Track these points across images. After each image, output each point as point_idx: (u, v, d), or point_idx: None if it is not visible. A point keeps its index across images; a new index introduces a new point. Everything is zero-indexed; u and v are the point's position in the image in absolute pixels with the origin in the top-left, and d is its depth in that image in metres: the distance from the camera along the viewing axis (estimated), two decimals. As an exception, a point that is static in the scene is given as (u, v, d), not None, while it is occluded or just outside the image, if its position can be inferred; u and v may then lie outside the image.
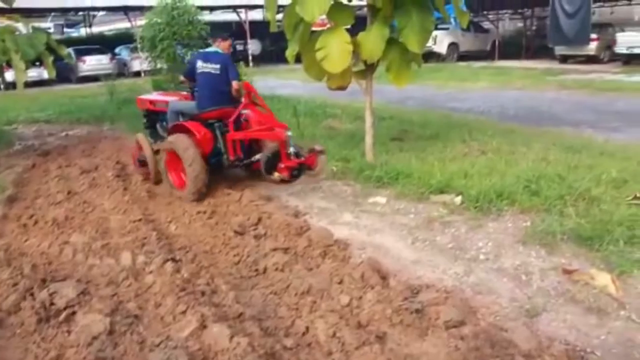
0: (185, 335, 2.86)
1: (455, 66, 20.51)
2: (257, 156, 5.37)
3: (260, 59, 26.01)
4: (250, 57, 24.73)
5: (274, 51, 26.13)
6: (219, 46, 5.63)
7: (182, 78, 5.93)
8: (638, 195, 4.49)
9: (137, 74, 21.19)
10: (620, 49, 17.95)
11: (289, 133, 5.06)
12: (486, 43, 24.37)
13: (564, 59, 20.06)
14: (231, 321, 2.98)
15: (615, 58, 18.72)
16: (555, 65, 18.99)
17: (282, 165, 5.03)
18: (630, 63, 17.76)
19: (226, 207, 5.03)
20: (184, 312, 3.06)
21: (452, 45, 23.08)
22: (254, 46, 26.38)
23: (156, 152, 5.84)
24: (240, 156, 5.44)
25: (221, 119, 5.46)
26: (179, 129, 5.44)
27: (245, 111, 5.56)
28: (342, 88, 6.17)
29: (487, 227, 4.29)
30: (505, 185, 4.84)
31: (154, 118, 6.50)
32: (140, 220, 4.66)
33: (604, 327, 2.89)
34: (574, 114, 9.47)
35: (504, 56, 22.56)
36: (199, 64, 5.45)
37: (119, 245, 4.19)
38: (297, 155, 5.05)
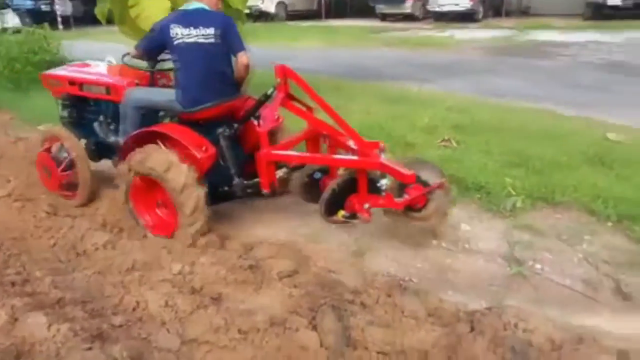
0: (-8, 332, 2.53)
1: (284, 25, 20.65)
2: (280, 172, 3.52)
3: (72, 21, 23.17)
4: (59, 19, 21.95)
5: (88, 11, 23.10)
6: (203, 0, 3.49)
7: (132, 52, 3.71)
8: (446, 138, 4.99)
9: None
10: (432, 6, 19.56)
11: (384, 155, 3.16)
12: (313, 2, 24.86)
13: (384, 17, 21.31)
14: (49, 309, 2.69)
15: (428, 15, 20.40)
16: (377, 23, 20.08)
17: (366, 205, 3.08)
18: (441, 20, 19.48)
19: (33, 187, 4.33)
20: (-10, 308, 2.70)
21: (281, 4, 23.13)
22: (62, 6, 22.98)
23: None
24: (277, 187, 3.46)
25: (217, 119, 3.53)
26: (150, 138, 3.39)
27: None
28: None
29: (317, 179, 4.42)
30: (331, 137, 5.02)
31: (83, 110, 4.25)
32: None
33: (420, 257, 3.18)
34: (394, 69, 10.14)
35: (331, 15, 23.30)
36: (176, 30, 3.36)
37: None
38: (398, 191, 3.13)
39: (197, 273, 3.02)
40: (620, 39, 12.98)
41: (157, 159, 3.22)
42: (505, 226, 3.51)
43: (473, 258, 3.16)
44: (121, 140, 3.71)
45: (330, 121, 3.40)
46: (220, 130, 3.51)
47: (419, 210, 3.12)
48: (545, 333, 2.34)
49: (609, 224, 3.47)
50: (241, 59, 3.46)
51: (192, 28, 3.37)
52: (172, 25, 3.39)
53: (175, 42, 3.38)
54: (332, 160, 3.36)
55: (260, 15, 21.20)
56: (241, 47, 3.48)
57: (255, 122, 3.54)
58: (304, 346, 2.33)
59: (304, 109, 3.42)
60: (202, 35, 3.38)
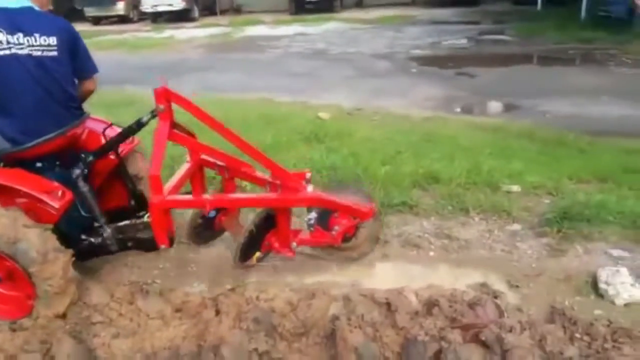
0: None
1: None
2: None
3: None
4: None
5: None
6: None
7: None
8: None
9: None
10: (146, 8, 19.19)
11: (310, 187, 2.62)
12: (47, 2, 21.97)
13: (97, 21, 20.10)
14: None
15: (144, 17, 19.94)
16: (88, 27, 18.79)
17: (293, 244, 2.70)
18: (157, 21, 19.25)
19: None
20: None
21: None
22: None
23: None
24: (175, 237, 2.65)
25: (55, 153, 2.68)
26: None
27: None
28: None
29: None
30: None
31: None
32: None
33: (161, 258, 3.14)
34: (114, 73, 9.57)
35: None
36: None
37: None
38: (321, 222, 2.70)
39: None
40: (320, 30, 14.75)
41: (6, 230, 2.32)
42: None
43: (215, 247, 3.24)
44: None
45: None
46: (77, 169, 2.70)
47: (349, 239, 2.76)
48: (284, 298, 2.55)
49: (326, 190, 3.95)
50: (89, 85, 2.79)
51: (22, 35, 2.46)
52: None
53: None
54: (263, 201, 2.67)
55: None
56: (94, 69, 2.80)
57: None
58: (41, 382, 2.10)
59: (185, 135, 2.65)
60: (40, 46, 2.50)
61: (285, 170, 2.63)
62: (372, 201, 2.76)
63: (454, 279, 2.84)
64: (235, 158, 2.79)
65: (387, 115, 6.11)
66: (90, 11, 19.73)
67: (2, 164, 2.64)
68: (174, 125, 2.57)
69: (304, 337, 2.35)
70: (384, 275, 2.89)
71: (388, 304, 2.46)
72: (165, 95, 2.44)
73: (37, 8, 2.61)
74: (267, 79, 8.52)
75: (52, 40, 2.54)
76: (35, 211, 2.45)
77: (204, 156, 2.75)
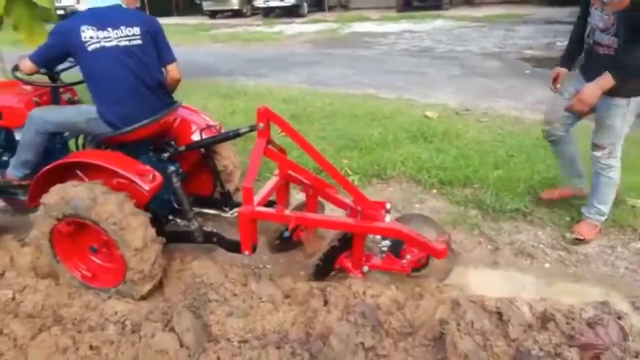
0: None
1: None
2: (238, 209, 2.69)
3: None
4: None
5: None
6: None
7: (24, 66, 2.87)
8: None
9: None
10: (259, 2, 19.90)
11: (389, 217, 2.79)
12: (135, 0, 23.71)
13: (213, 14, 21.15)
14: None
15: (256, 12, 20.70)
16: (206, 20, 19.85)
17: (365, 268, 2.75)
18: (268, 16, 19.89)
19: None
20: None
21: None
22: None
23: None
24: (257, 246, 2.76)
25: (149, 139, 3.00)
26: (65, 171, 2.79)
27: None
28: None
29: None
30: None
31: None
32: None
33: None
34: (227, 65, 10.12)
35: (155, 13, 22.42)
36: (89, 33, 2.69)
37: None
38: (394, 249, 2.72)
39: (32, 296, 2.75)
40: (427, 28, 14.45)
41: (106, 206, 2.52)
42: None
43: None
44: (14, 175, 3.08)
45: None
46: (166, 154, 3.02)
47: (419, 269, 2.76)
48: (390, 296, 2.55)
49: (434, 190, 3.89)
50: (173, 72, 3.04)
51: (110, 29, 2.75)
52: (82, 27, 2.68)
53: (90, 48, 2.70)
54: (343, 225, 2.68)
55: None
56: (172, 57, 3.04)
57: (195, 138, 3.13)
58: (163, 349, 2.26)
59: (276, 150, 2.82)
60: (125, 36, 2.78)
61: (366, 197, 2.76)
62: (445, 234, 2.76)
63: (570, 294, 2.68)
64: (320, 178, 2.96)
65: (497, 117, 5.87)
66: (207, 5, 20.82)
67: (103, 146, 2.95)
68: (269, 141, 2.73)
69: (410, 337, 2.33)
70: (493, 283, 2.80)
71: (499, 313, 2.38)
72: (266, 115, 2.65)
73: (124, 5, 2.91)
74: (372, 75, 8.50)
75: (136, 30, 2.82)
76: (128, 191, 2.66)
77: (291, 173, 2.92)
